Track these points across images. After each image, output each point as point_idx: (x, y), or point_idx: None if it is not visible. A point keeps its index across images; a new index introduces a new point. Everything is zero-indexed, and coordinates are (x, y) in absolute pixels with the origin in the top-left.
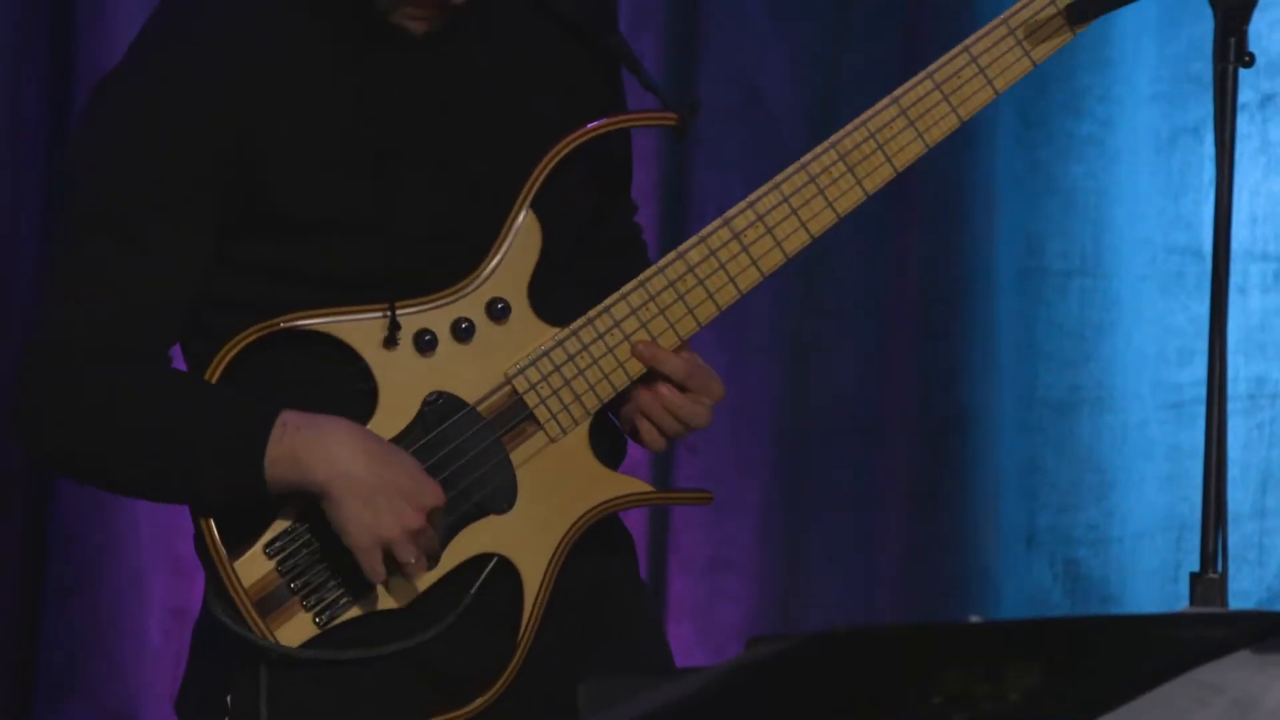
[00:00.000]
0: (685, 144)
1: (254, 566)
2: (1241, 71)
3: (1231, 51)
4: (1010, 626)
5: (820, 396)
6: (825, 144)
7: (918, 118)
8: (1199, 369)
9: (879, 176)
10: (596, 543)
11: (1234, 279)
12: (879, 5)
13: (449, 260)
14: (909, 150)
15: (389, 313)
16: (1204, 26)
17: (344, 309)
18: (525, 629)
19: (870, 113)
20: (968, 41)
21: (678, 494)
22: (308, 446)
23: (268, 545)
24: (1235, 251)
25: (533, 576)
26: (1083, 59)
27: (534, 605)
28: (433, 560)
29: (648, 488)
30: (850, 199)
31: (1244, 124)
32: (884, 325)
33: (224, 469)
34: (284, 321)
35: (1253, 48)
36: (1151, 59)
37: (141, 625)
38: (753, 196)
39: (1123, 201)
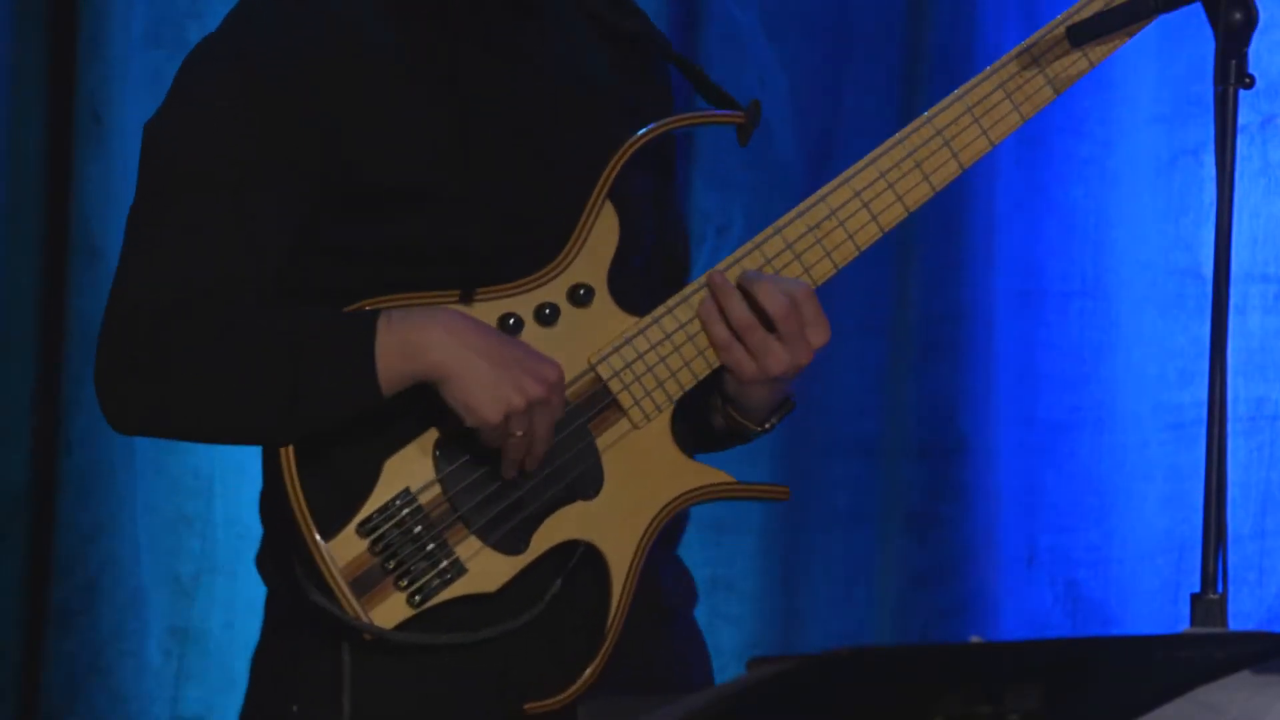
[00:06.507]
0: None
1: (347, 547)
2: (1242, 93)
3: (1232, 73)
4: (1010, 648)
5: (820, 417)
6: (891, 140)
7: (982, 115)
8: (1199, 390)
9: (945, 172)
10: (665, 570)
11: (1234, 300)
12: (879, 29)
13: (523, 245)
14: (974, 146)
15: (464, 297)
16: (1204, 48)
17: (422, 294)
18: (614, 615)
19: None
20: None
21: (757, 487)
22: (417, 330)
23: (361, 525)
24: (1235, 273)
25: (620, 563)
26: (1083, 80)
27: (622, 591)
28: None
29: (729, 479)
30: (919, 193)
31: (1244, 145)
32: (884, 346)
33: (334, 371)
34: (370, 305)
35: (1253, 70)
36: (1152, 81)
37: (142, 645)
38: (824, 190)
39: (1123, 223)
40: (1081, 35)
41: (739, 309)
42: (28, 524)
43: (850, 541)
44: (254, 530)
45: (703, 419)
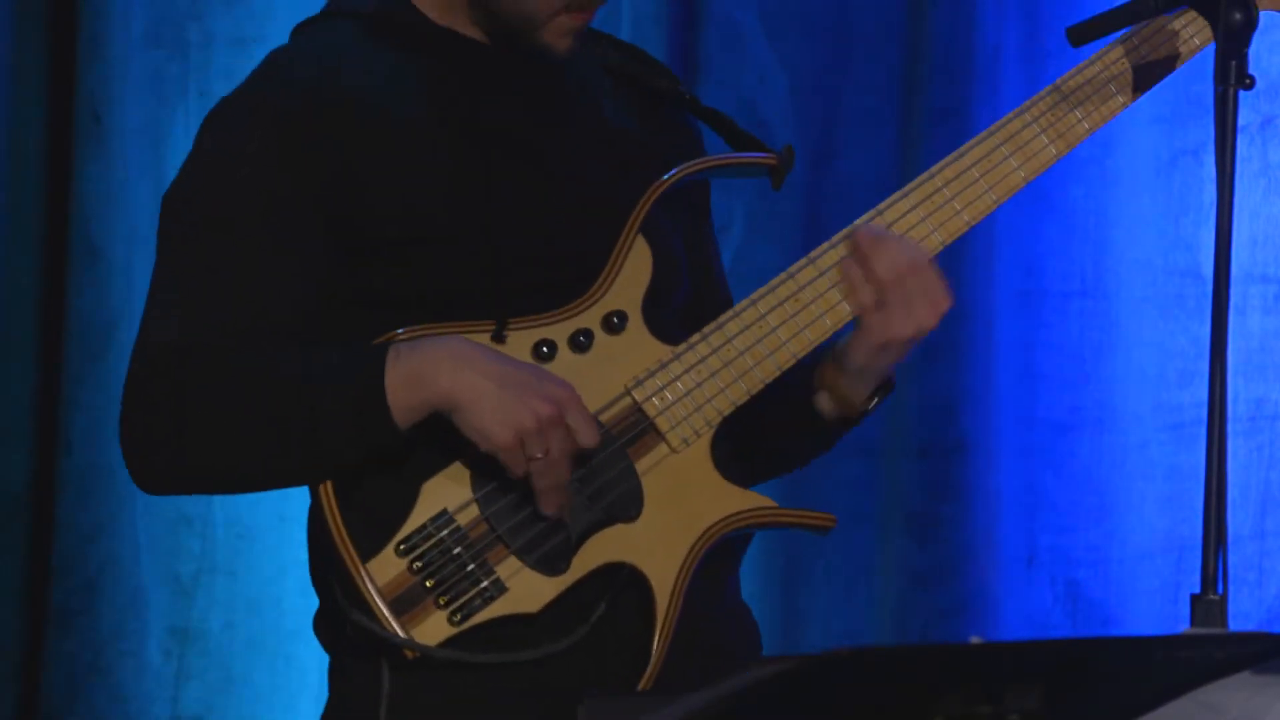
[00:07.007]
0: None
1: (386, 567)
2: (1242, 93)
3: (1232, 74)
4: (1010, 648)
5: None
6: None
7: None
8: (1199, 390)
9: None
10: (726, 610)
11: (1234, 301)
12: (879, 29)
13: (555, 281)
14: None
15: (497, 329)
16: (1204, 49)
17: (457, 324)
18: (659, 638)
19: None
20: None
21: (802, 514)
22: (425, 361)
23: (399, 545)
24: (1235, 273)
25: (663, 585)
26: None
27: (666, 614)
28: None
29: (772, 503)
30: (971, 214)
31: (1244, 146)
32: None
33: (348, 407)
34: (405, 333)
35: (1253, 70)
36: None
37: (142, 645)
38: (856, 224)
39: (1123, 223)
40: (1082, 35)
41: (886, 262)
42: (28, 524)
43: (850, 541)
44: (254, 530)
45: (803, 408)
